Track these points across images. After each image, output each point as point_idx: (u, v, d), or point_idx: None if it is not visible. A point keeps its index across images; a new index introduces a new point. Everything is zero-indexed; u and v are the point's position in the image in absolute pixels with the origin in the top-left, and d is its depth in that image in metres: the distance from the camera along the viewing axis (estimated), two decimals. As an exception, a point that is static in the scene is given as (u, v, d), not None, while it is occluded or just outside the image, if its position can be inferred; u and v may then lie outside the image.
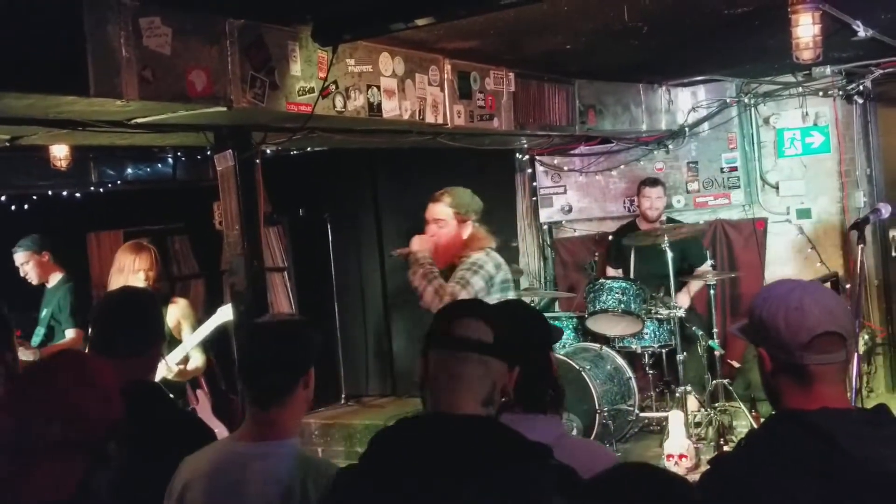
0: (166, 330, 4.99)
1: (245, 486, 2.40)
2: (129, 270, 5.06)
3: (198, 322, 5.27)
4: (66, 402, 2.08)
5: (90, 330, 2.97)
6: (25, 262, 6.20)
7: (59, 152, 6.00)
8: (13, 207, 7.93)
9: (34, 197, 7.96)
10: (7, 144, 4.76)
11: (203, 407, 5.20)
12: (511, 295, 4.52)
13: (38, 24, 3.13)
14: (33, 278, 6.23)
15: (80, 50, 3.23)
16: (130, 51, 3.40)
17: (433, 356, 2.11)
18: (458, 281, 4.22)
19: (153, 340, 2.95)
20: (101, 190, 7.90)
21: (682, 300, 6.91)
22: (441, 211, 4.39)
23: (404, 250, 4.46)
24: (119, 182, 7.78)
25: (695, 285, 7.10)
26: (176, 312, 5.17)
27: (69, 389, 2.11)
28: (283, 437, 2.48)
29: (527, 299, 7.47)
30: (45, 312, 6.14)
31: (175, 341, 5.09)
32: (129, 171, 7.77)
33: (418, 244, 4.36)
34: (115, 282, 5.00)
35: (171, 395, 4.65)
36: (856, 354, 4.78)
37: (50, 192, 7.74)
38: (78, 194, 8.03)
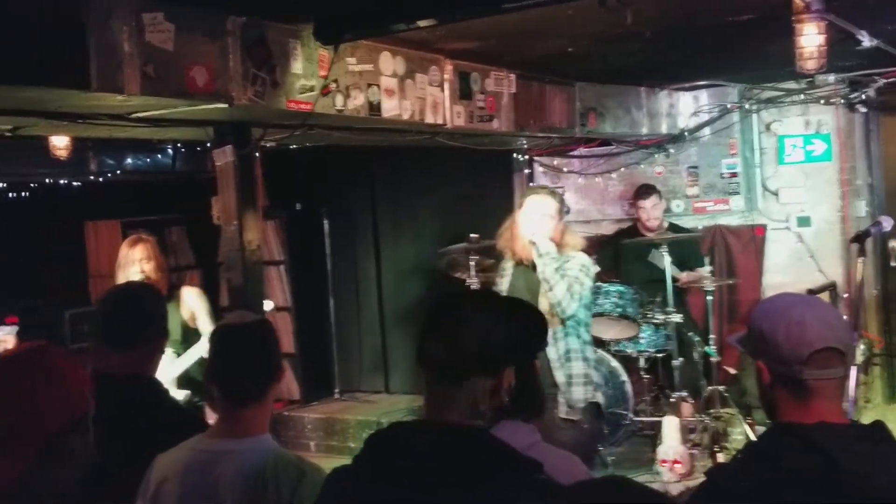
0: (181, 321, 5.00)
1: (218, 483, 2.40)
2: (126, 263, 5.04)
3: (211, 308, 5.25)
4: (14, 397, 2.10)
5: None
6: None
7: (59, 142, 5.98)
8: (12, 195, 7.92)
9: (33, 185, 7.94)
10: (8, 134, 4.75)
11: None
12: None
13: (41, 18, 3.11)
14: None
15: (83, 44, 3.21)
16: (133, 46, 3.38)
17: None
18: (574, 281, 4.50)
19: (151, 334, 2.93)
20: (100, 179, 7.88)
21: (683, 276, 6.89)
22: (553, 207, 4.65)
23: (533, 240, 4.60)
24: (118, 172, 7.74)
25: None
26: (188, 303, 5.15)
27: (20, 383, 2.12)
28: (256, 434, 2.49)
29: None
30: None
31: (191, 332, 5.08)
32: (129, 161, 7.74)
33: (545, 238, 4.57)
34: (118, 277, 5.00)
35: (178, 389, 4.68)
36: (853, 365, 4.78)
37: (49, 181, 7.72)
38: (77, 183, 8.01)
